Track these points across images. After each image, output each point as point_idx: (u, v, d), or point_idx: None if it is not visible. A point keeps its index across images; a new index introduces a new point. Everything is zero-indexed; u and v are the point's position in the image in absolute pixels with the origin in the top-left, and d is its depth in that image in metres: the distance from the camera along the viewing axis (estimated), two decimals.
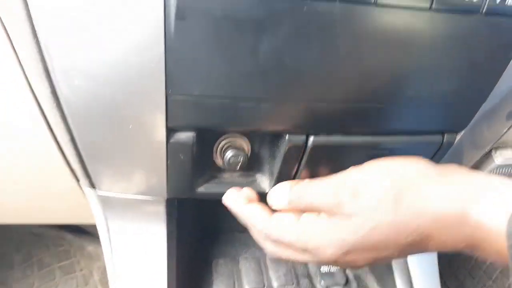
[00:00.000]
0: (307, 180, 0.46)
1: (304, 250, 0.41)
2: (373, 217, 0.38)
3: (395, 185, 0.39)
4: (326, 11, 0.37)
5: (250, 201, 0.48)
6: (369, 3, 0.37)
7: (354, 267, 0.40)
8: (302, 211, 0.44)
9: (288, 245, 0.42)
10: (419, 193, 0.38)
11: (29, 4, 0.38)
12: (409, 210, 0.37)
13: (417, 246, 0.38)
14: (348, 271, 0.76)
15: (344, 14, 0.38)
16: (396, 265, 0.73)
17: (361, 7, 0.38)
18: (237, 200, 0.48)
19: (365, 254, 0.39)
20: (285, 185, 0.47)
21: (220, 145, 0.55)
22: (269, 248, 0.45)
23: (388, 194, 0.38)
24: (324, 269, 0.75)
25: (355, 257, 0.39)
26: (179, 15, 0.36)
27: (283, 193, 0.46)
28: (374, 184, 0.40)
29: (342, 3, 0.37)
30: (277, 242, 0.43)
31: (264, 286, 0.71)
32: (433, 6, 0.38)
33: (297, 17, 0.37)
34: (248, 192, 0.49)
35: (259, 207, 0.46)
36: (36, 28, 0.39)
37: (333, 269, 0.75)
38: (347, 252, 0.38)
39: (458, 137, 0.56)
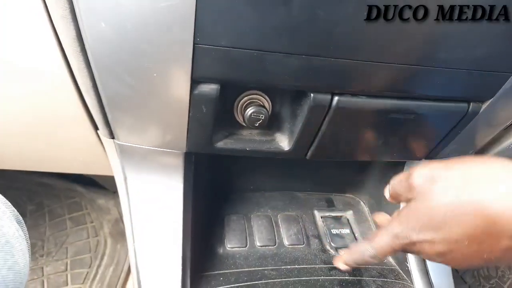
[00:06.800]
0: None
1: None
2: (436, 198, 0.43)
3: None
4: None
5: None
6: None
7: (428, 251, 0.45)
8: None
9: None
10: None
11: None
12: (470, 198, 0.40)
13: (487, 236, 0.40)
14: (357, 234, 0.77)
15: None
16: None
17: None
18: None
19: (436, 234, 0.43)
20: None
21: (241, 102, 0.55)
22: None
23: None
24: (335, 230, 0.76)
25: (428, 236, 0.43)
26: None
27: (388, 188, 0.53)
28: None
29: None
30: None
31: (275, 243, 0.72)
32: None
33: None
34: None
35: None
36: None
37: (344, 231, 0.77)
38: (418, 230, 0.44)
39: (484, 106, 0.55)
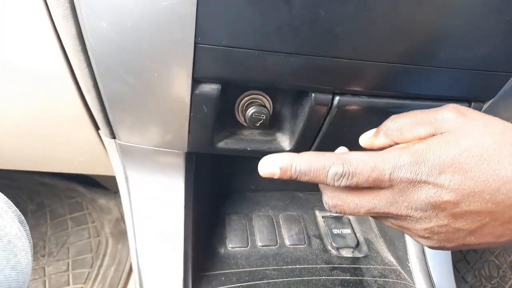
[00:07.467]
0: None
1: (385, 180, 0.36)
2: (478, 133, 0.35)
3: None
4: None
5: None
6: None
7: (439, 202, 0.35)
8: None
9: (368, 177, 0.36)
10: None
11: None
12: None
13: None
14: (359, 235, 0.77)
15: None
16: None
17: None
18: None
19: (458, 176, 0.34)
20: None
21: (242, 102, 0.55)
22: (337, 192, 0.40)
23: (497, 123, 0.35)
24: (336, 230, 0.76)
25: (447, 178, 0.34)
26: None
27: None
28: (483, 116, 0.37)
29: None
30: (355, 175, 0.36)
31: (276, 243, 0.72)
32: None
33: None
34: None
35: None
36: None
37: (345, 231, 0.77)
38: (440, 170, 0.34)
39: (485, 107, 0.54)
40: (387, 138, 0.41)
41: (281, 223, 0.76)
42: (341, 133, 0.55)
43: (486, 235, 0.36)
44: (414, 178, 0.35)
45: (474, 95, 0.53)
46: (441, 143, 0.35)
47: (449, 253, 0.74)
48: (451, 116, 0.37)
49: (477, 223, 0.35)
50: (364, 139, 0.45)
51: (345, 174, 0.36)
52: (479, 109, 0.55)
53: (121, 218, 1.28)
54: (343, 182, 0.36)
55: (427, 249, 0.71)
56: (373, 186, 0.37)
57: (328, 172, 0.37)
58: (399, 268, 0.74)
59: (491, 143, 0.34)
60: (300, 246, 0.73)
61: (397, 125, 0.40)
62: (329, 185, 0.38)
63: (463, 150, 0.34)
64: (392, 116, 0.41)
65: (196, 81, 0.45)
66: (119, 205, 1.30)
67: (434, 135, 0.37)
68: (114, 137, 0.59)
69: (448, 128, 0.36)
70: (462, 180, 0.34)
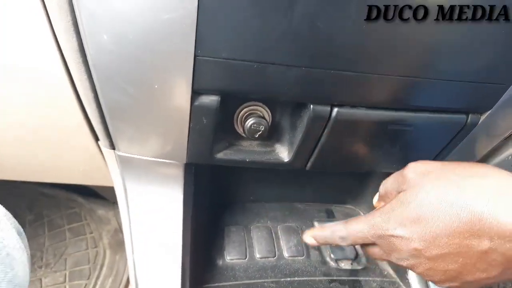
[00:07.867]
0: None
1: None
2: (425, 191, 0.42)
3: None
4: None
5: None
6: None
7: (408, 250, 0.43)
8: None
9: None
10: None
11: None
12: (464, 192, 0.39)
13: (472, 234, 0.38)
14: (358, 246, 0.77)
15: None
16: None
17: None
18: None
19: (417, 226, 0.41)
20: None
21: (241, 113, 0.55)
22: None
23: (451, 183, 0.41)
24: None
25: (408, 229, 0.41)
26: None
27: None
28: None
29: None
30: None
31: (275, 255, 0.72)
32: None
33: None
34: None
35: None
36: None
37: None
38: (398, 224, 0.42)
39: (482, 118, 0.55)
40: (384, 201, 0.50)
41: (279, 234, 0.76)
42: (340, 144, 0.55)
43: (475, 272, 0.40)
44: (385, 234, 0.44)
45: (473, 106, 0.53)
46: (401, 201, 0.43)
47: None
48: (410, 175, 0.44)
49: (456, 263, 0.40)
50: (374, 202, 0.55)
51: (345, 238, 0.49)
52: (477, 121, 0.55)
53: (119, 229, 1.27)
54: (346, 243, 0.50)
55: None
56: (370, 242, 0.47)
57: (335, 235, 0.50)
58: (398, 280, 0.73)
59: (438, 193, 0.40)
60: (299, 258, 0.73)
61: (383, 190, 0.50)
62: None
63: (418, 204, 0.41)
64: (383, 181, 0.51)
65: (195, 93, 0.46)
66: (117, 215, 1.30)
67: (400, 192, 0.45)
68: (113, 148, 0.59)
69: (408, 186, 0.44)
70: (422, 229, 0.40)
